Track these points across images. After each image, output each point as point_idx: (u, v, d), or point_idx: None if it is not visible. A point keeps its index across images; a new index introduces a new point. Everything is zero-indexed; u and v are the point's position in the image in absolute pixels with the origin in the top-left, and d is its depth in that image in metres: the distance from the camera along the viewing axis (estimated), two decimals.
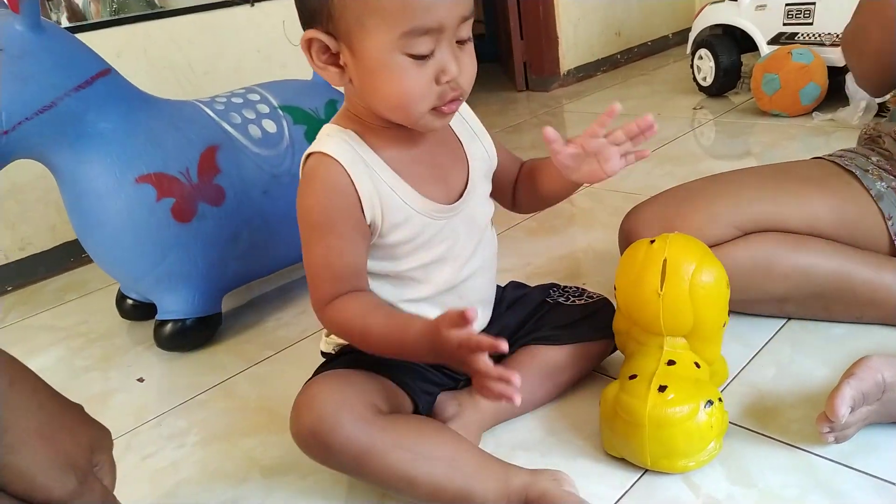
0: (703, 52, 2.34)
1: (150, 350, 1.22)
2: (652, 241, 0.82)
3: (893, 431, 0.78)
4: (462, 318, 0.59)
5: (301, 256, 0.76)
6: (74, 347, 1.30)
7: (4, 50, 1.01)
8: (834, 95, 1.98)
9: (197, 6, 1.81)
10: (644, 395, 0.75)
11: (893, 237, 0.97)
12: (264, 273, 1.31)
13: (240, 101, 1.25)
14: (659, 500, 0.74)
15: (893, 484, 0.72)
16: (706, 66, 2.34)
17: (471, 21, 0.70)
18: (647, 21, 3.25)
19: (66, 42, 1.08)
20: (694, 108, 2.30)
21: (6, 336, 1.40)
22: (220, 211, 1.15)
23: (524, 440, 0.86)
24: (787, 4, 2.13)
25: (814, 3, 2.06)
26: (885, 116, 1.53)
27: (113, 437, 0.57)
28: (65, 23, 1.65)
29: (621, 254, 1.09)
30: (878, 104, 1.83)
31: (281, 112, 1.26)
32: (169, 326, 1.17)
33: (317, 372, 0.83)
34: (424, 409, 0.83)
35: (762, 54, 2.16)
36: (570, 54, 2.92)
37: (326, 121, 0.81)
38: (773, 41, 2.16)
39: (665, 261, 0.79)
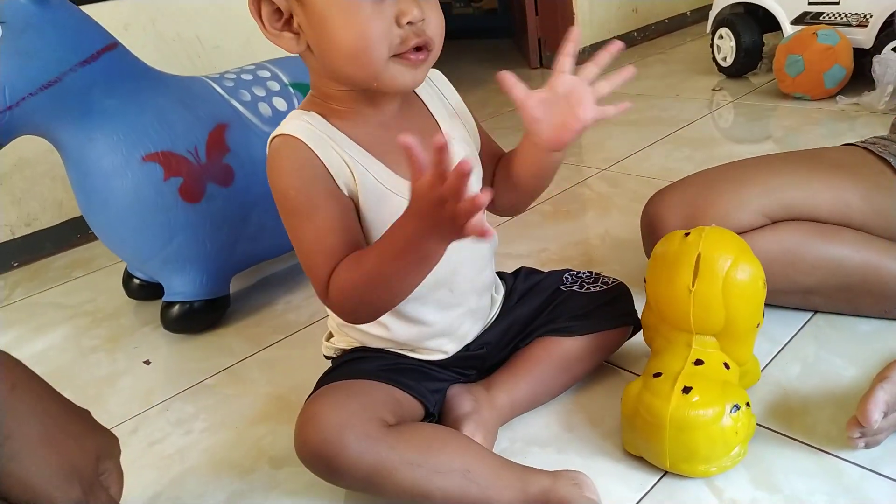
0: (723, 31, 2.27)
1: (157, 331, 1.20)
2: (686, 234, 0.78)
3: None
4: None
5: None
6: (81, 326, 1.28)
7: (7, 23, 0.97)
8: (858, 78, 1.92)
9: None
10: (667, 394, 0.72)
11: None
12: (273, 255, 1.28)
13: (250, 77, 1.21)
14: (680, 503, 0.72)
15: None
16: (727, 46, 2.28)
17: None
18: None
19: (71, 15, 1.04)
20: (713, 89, 2.24)
21: (13, 313, 1.38)
22: (229, 191, 1.12)
23: (540, 436, 0.83)
24: None
25: None
26: None
27: (119, 421, 0.55)
28: None
29: (644, 240, 1.07)
30: None
31: (292, 89, 1.23)
32: (176, 308, 1.15)
33: (320, 381, 0.79)
34: (435, 407, 0.80)
35: (785, 34, 2.10)
36: (587, 31, 2.85)
37: None
38: (797, 21, 2.09)
39: (699, 256, 0.75)
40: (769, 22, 2.19)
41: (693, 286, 0.76)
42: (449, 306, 0.80)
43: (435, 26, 0.67)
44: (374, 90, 0.69)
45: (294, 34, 0.68)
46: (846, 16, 1.98)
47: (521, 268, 0.97)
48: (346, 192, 0.70)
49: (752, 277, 0.76)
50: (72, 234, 1.64)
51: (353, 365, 0.79)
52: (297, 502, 0.79)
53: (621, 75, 0.68)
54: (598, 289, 0.92)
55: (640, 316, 0.89)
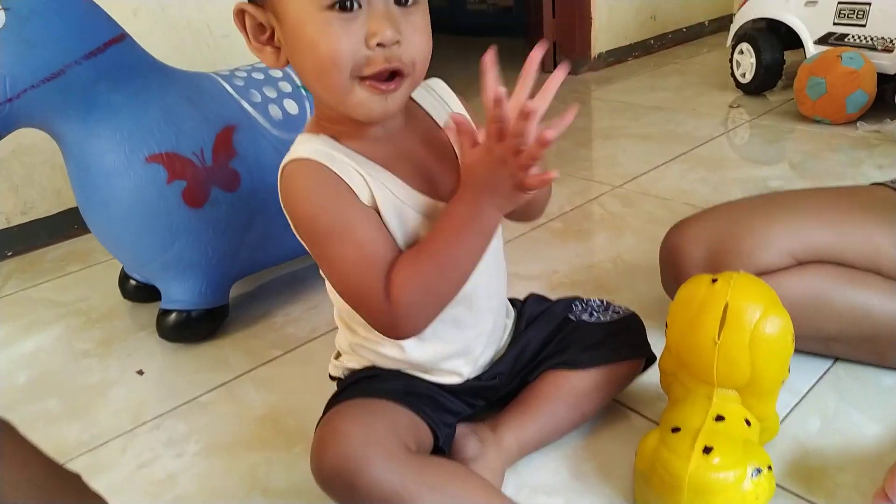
0: (744, 46, 2.23)
1: (152, 337, 1.16)
2: (714, 280, 0.74)
3: None
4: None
5: None
6: (74, 327, 1.24)
7: (11, 10, 0.92)
8: (880, 104, 1.88)
9: None
10: (687, 454, 0.68)
11: None
12: (276, 262, 1.24)
13: (261, 76, 1.16)
14: None
15: None
16: (746, 62, 2.23)
17: None
18: (684, 6, 3.12)
19: (79, 3, 0.99)
20: (730, 106, 2.20)
21: (4, 308, 1.34)
22: (234, 197, 1.08)
23: (548, 482, 0.80)
24: (839, 3, 2.01)
25: (869, 4, 1.95)
26: None
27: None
28: None
29: (662, 271, 1.03)
30: None
31: (304, 92, 1.18)
32: (173, 317, 1.11)
33: (330, 402, 0.76)
34: (445, 443, 0.76)
35: (808, 54, 2.05)
36: (603, 37, 2.81)
37: None
38: (820, 41, 2.05)
39: (727, 305, 0.72)
40: (791, 39, 2.14)
41: (719, 338, 0.72)
42: (466, 325, 0.78)
43: (416, 50, 0.63)
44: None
45: (275, 49, 0.66)
46: (872, 39, 1.93)
47: (530, 294, 0.94)
48: (370, 206, 0.67)
49: (781, 331, 0.72)
50: (69, 224, 1.60)
51: (370, 384, 0.76)
52: None
53: (553, 80, 0.61)
54: (608, 318, 0.89)
55: (657, 356, 0.86)
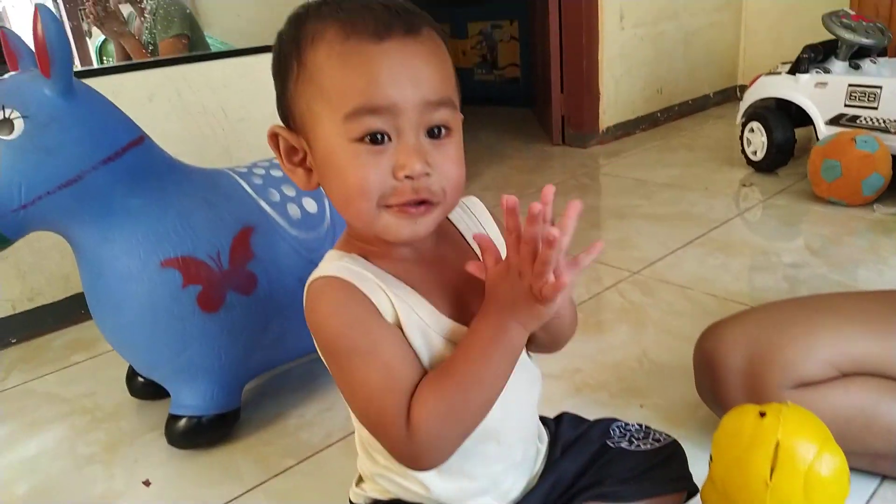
0: (754, 124, 2.24)
1: (160, 441, 1.11)
2: (762, 414, 0.70)
3: None
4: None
5: None
6: (79, 427, 1.19)
7: (30, 117, 0.91)
8: (895, 186, 1.87)
9: (236, 50, 1.73)
10: None
11: None
12: (290, 360, 1.20)
13: (279, 174, 1.15)
14: None
15: None
16: (757, 140, 2.24)
17: (447, 110, 0.59)
18: (689, 79, 3.17)
19: (98, 108, 0.98)
20: (743, 185, 2.19)
21: (7, 402, 1.29)
22: (251, 300, 1.05)
23: None
24: (850, 85, 2.02)
25: (879, 87, 1.96)
26: None
27: None
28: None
29: (697, 374, 0.99)
30: None
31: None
32: (183, 422, 1.06)
33: None
34: None
35: (820, 135, 2.06)
36: (611, 111, 2.83)
37: None
38: (832, 122, 2.05)
39: (778, 443, 0.67)
40: (802, 118, 2.15)
41: (771, 479, 0.68)
42: (495, 459, 0.73)
43: (447, 179, 0.60)
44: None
45: (307, 171, 0.64)
46: (884, 121, 1.94)
47: (563, 414, 0.89)
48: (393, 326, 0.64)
49: (837, 472, 0.68)
50: (75, 309, 1.56)
51: None
52: None
53: (569, 218, 0.56)
54: (649, 446, 0.84)
55: (699, 487, 0.81)
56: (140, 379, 1.22)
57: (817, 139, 2.05)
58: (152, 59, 1.65)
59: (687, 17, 3.03)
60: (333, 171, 0.60)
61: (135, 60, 1.70)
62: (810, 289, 1.46)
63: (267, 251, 1.06)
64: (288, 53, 0.62)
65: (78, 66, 1.61)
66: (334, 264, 0.65)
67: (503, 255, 0.73)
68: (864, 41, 2.08)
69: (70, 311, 1.56)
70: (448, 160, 0.61)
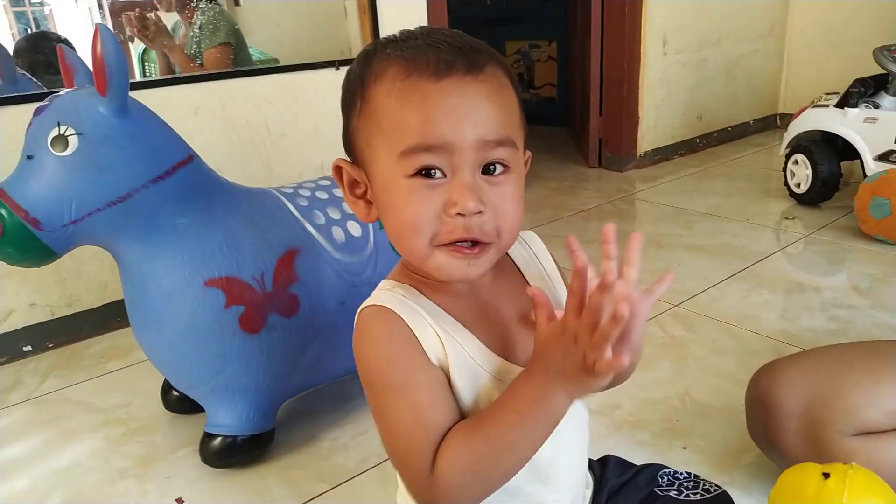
0: (799, 157, 2.19)
1: (193, 458, 1.10)
2: (826, 475, 0.68)
3: None
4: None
5: None
6: (113, 439, 1.19)
7: (84, 135, 0.92)
8: None
9: (281, 67, 1.74)
10: None
11: None
12: (327, 381, 1.19)
13: (325, 196, 1.14)
14: None
15: None
16: (802, 173, 2.19)
17: (506, 149, 0.58)
18: (730, 106, 3.13)
19: (151, 127, 0.99)
20: (785, 218, 2.15)
21: (42, 409, 1.30)
22: (292, 322, 1.04)
23: None
24: None
25: None
26: None
27: None
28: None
29: (750, 415, 0.96)
30: None
31: None
32: (217, 441, 1.05)
33: None
34: None
35: (868, 171, 2.01)
36: (649, 136, 2.81)
37: None
38: (881, 158, 2.01)
39: None
40: (848, 152, 2.11)
41: None
42: (540, 502, 0.70)
43: (502, 219, 0.59)
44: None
45: (368, 204, 0.64)
46: None
47: (608, 456, 0.86)
48: (438, 366, 0.62)
49: None
50: (112, 316, 1.57)
51: None
52: None
53: (634, 250, 0.55)
54: (698, 497, 0.81)
55: None
56: (175, 393, 1.22)
57: (864, 175, 2.00)
58: (199, 73, 1.66)
59: (730, 43, 3.00)
60: (388, 206, 0.60)
61: (181, 74, 1.71)
62: (859, 331, 1.42)
63: (310, 274, 1.06)
64: (353, 89, 0.62)
65: None
66: (387, 294, 0.64)
67: (557, 292, 0.72)
68: None
69: (107, 318, 1.57)
70: (504, 199, 0.59)
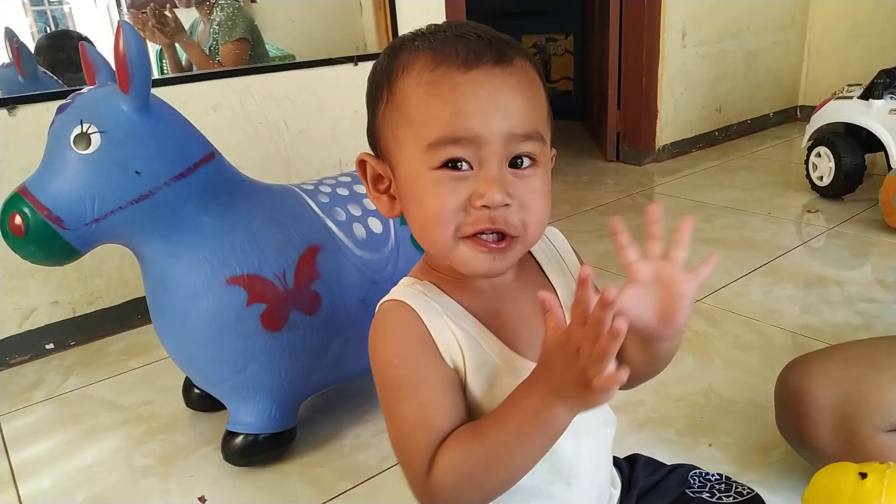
0: (821, 149, 2.16)
1: (215, 456, 1.10)
2: (862, 475, 0.66)
3: None
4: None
5: None
6: (135, 437, 1.19)
7: (107, 133, 0.91)
8: None
9: (300, 63, 1.73)
10: None
11: None
12: (348, 379, 1.18)
13: (345, 192, 1.13)
14: None
15: None
16: (824, 166, 2.16)
17: (534, 143, 0.57)
18: (749, 98, 3.09)
19: (172, 124, 0.98)
20: (808, 211, 2.12)
21: (65, 407, 1.30)
22: (313, 320, 1.04)
23: None
24: None
25: None
26: None
27: None
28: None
29: (780, 410, 0.95)
30: None
31: None
32: (240, 440, 1.05)
33: None
34: None
35: (893, 163, 1.97)
36: (668, 129, 2.78)
37: None
38: None
39: None
40: (873, 144, 2.07)
41: None
42: (563, 503, 0.69)
43: (528, 212, 0.58)
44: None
45: (391, 198, 0.64)
46: None
47: (636, 455, 0.85)
48: (451, 366, 0.61)
49: None
50: (133, 313, 1.58)
51: None
52: None
53: (684, 232, 0.58)
54: (731, 500, 0.79)
55: None
56: (196, 391, 1.22)
57: (889, 167, 1.97)
58: (218, 69, 1.66)
59: (750, 36, 2.96)
60: (413, 198, 0.60)
61: (199, 71, 1.71)
62: (886, 326, 1.40)
63: (332, 271, 1.05)
64: (380, 82, 0.62)
65: None
66: (406, 290, 0.64)
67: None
68: None
69: (128, 315, 1.57)
70: (531, 192, 0.58)
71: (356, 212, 1.11)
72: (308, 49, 1.86)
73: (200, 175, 0.98)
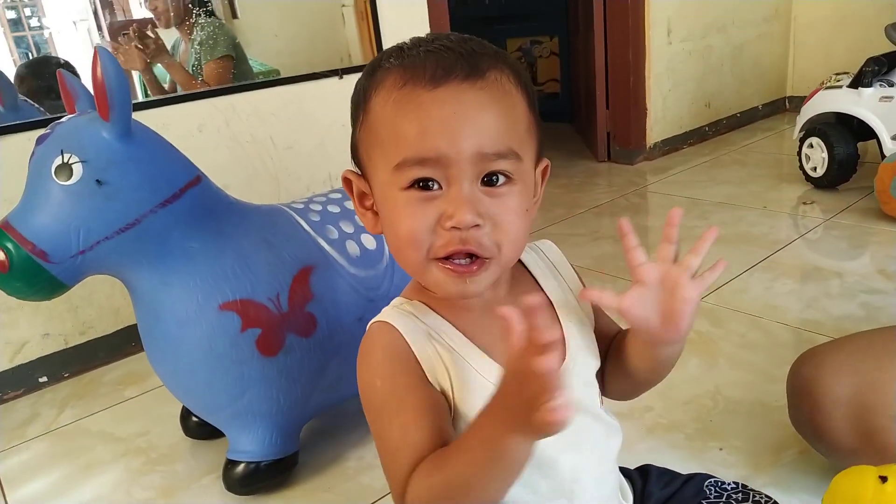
0: (813, 140, 2.15)
1: (216, 485, 1.08)
2: (883, 479, 0.64)
3: None
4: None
5: None
6: (134, 469, 1.16)
7: (88, 162, 0.89)
8: None
9: (284, 78, 1.71)
10: None
11: None
12: (347, 399, 1.16)
13: (337, 210, 1.11)
14: None
15: None
16: (817, 157, 2.15)
17: (507, 161, 0.55)
18: (738, 92, 3.08)
19: (156, 149, 0.96)
20: (803, 203, 2.10)
21: (62, 442, 1.28)
22: (310, 342, 1.01)
23: None
24: None
25: None
26: None
27: None
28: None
29: (793, 404, 0.93)
30: None
31: None
32: (241, 468, 1.03)
33: None
34: None
35: (886, 151, 1.96)
36: (658, 127, 2.77)
37: None
38: None
39: None
40: (864, 132, 2.06)
41: None
42: None
43: (503, 232, 0.56)
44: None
45: (375, 215, 0.63)
46: None
47: (648, 466, 0.83)
48: (437, 388, 0.60)
49: None
50: (126, 342, 1.55)
51: None
52: None
53: (705, 241, 0.58)
54: None
55: None
56: (195, 419, 1.19)
57: (882, 155, 1.96)
58: (201, 89, 1.64)
59: (735, 30, 2.95)
60: (386, 219, 0.59)
61: (182, 92, 1.69)
62: (890, 316, 1.38)
63: (326, 291, 1.03)
64: (357, 101, 0.61)
65: None
66: (394, 311, 0.63)
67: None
68: None
69: (121, 343, 1.55)
70: (505, 211, 0.56)
71: (348, 229, 1.09)
72: (292, 62, 1.84)
73: (187, 200, 0.96)
